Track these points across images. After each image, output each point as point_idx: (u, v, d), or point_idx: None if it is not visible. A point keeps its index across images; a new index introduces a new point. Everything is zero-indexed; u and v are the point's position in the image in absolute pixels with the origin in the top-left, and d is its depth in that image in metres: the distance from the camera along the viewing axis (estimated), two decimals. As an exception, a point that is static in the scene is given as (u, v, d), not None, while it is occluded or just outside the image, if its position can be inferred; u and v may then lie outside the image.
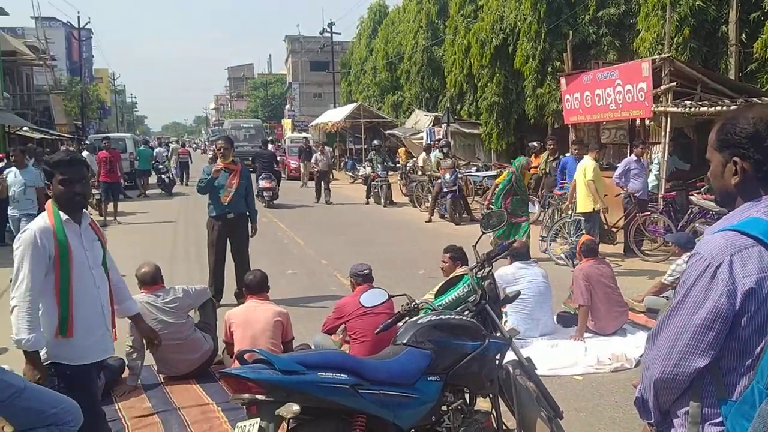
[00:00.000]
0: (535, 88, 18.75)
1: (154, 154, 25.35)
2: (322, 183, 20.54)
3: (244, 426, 3.09)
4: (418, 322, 3.75)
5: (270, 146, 33.93)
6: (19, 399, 2.81)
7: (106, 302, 3.71)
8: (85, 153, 18.62)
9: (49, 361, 3.45)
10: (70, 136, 34.25)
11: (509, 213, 9.86)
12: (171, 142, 36.58)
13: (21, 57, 32.96)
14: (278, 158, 27.33)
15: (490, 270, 4.22)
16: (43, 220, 3.52)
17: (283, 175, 30.56)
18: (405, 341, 3.63)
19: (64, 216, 3.54)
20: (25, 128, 27.98)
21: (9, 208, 10.73)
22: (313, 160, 22.20)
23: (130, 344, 5.61)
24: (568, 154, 12.96)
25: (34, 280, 3.38)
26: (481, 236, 4.40)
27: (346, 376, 3.26)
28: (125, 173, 22.83)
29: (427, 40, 27.74)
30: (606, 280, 6.96)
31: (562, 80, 14.43)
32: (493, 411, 3.88)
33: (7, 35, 33.04)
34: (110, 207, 17.10)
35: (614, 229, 11.15)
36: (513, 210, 10.31)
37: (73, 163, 3.60)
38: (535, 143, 16.49)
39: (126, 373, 5.70)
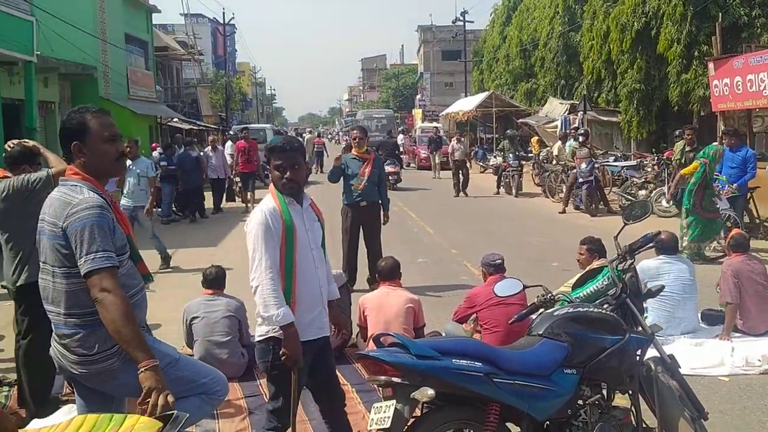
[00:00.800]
0: (679, 73, 17.78)
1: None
2: (460, 173, 19.62)
3: (380, 407, 3.18)
4: (555, 313, 3.68)
5: (400, 136, 34.59)
6: (173, 368, 3.01)
7: (324, 282, 3.75)
8: (228, 143, 19.70)
9: (268, 336, 3.57)
10: (215, 126, 36.26)
11: (703, 209, 9.28)
12: (304, 133, 37.83)
13: (172, 52, 35.26)
14: (401, 146, 29.40)
15: (632, 263, 4.07)
16: (270, 201, 3.64)
17: (412, 164, 31.05)
18: (541, 332, 3.58)
19: (287, 198, 3.65)
20: (175, 119, 29.90)
21: (123, 199, 10.20)
22: (449, 149, 21.30)
23: (271, 324, 5.89)
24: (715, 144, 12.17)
25: (271, 258, 3.48)
26: (623, 227, 4.24)
27: (480, 364, 3.27)
28: (264, 162, 23.89)
29: (564, 25, 26.95)
30: (757, 277, 6.48)
31: (710, 65, 13.58)
32: (633, 408, 3.74)
33: (160, 32, 35.38)
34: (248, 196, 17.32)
35: (767, 224, 10.38)
36: (707, 206, 9.54)
37: (287, 149, 3.67)
38: (678, 132, 15.62)
39: (266, 352, 5.98)
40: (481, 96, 30.96)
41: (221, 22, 47.71)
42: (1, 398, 5.30)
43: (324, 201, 17.79)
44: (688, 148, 13.11)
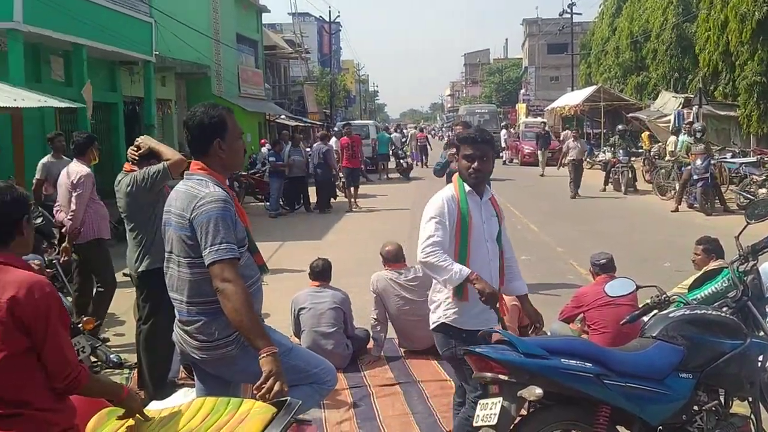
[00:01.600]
0: (806, 64, 16.63)
1: (392, 139, 26.60)
2: (575, 174, 17.91)
3: (487, 403, 3.17)
4: (670, 315, 3.55)
5: (503, 131, 34.20)
6: (287, 357, 3.11)
7: (496, 276, 3.78)
8: (333, 140, 20.09)
9: (440, 322, 3.69)
10: (320, 123, 37.05)
11: None
12: (406, 129, 38.02)
13: (280, 51, 36.27)
14: (503, 142, 31.23)
15: (755, 264, 3.86)
16: (450, 189, 3.77)
17: (515, 160, 30.64)
18: (654, 335, 3.47)
19: (467, 188, 3.74)
20: (282, 116, 30.78)
21: None
22: (564, 148, 19.85)
23: (375, 317, 5.99)
24: None
25: (442, 238, 3.57)
26: (745, 227, 4.03)
27: (590, 364, 3.20)
28: (368, 158, 24.34)
29: (678, 16, 25.78)
30: None
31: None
32: (752, 416, 3.56)
33: (269, 31, 36.49)
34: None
35: None
36: None
37: (478, 141, 3.74)
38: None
39: (370, 344, 6.09)
40: (589, 90, 30.08)
41: (327, 20, 48.67)
42: (122, 380, 5.64)
43: (428, 196, 17.92)
44: None
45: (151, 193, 4.81)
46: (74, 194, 6.24)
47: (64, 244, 6.34)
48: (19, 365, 2.40)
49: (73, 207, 6.22)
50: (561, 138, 29.38)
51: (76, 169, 6.34)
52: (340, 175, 18.52)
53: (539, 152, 25.49)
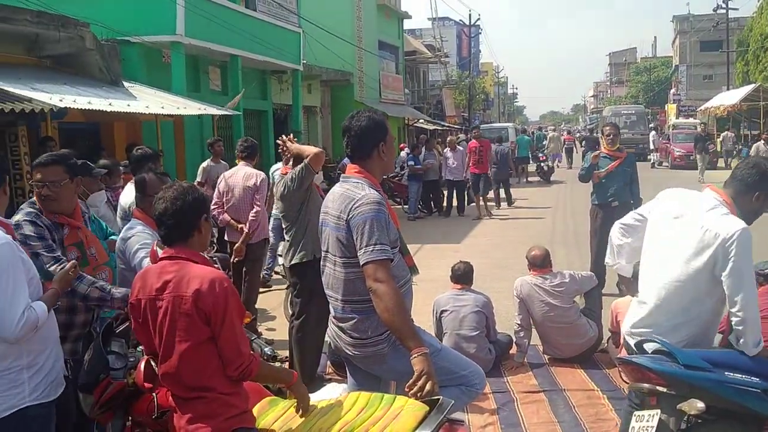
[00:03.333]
0: None
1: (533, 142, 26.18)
2: None
3: (643, 416, 3.06)
4: None
5: (652, 133, 32.70)
6: (437, 357, 3.15)
7: None
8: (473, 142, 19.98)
9: None
10: (458, 126, 37.05)
11: None
12: (546, 131, 37.19)
13: (420, 56, 36.65)
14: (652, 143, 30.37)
15: None
16: None
17: (665, 163, 29.14)
18: (833, 351, 3.19)
19: None
20: (421, 120, 31.07)
21: None
22: (752, 152, 16.95)
23: (518, 322, 5.92)
24: None
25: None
26: None
27: (757, 379, 3.01)
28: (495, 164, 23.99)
29: None
30: None
31: None
32: None
33: (409, 37, 36.98)
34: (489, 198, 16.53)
35: None
36: None
37: None
38: None
39: (513, 350, 6.03)
40: (747, 89, 28.02)
41: (467, 24, 48.58)
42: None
43: (570, 200, 17.43)
44: None
45: (301, 190, 5.07)
46: (257, 196, 6.73)
47: (238, 244, 6.76)
48: (202, 353, 2.61)
49: (257, 208, 6.70)
50: (721, 139, 27.66)
51: (254, 172, 6.81)
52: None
53: (698, 156, 23.81)
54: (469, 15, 46.70)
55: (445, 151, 16.64)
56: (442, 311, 5.92)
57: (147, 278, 2.72)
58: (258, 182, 6.79)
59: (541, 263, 6.03)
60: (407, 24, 35.43)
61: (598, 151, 8.36)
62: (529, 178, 24.87)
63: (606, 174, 8.07)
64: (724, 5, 39.81)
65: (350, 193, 3.13)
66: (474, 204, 16.22)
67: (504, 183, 17.97)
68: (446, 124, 35.63)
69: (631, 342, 3.39)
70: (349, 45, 23.46)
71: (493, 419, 4.80)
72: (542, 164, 25.10)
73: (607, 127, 8.54)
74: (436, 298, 6.15)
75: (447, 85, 41.30)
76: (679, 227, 3.23)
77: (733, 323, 3.13)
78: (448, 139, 17.70)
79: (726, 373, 3.01)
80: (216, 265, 6.09)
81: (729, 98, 28.93)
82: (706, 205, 3.24)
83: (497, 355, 5.87)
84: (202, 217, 2.79)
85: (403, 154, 19.04)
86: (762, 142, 15.27)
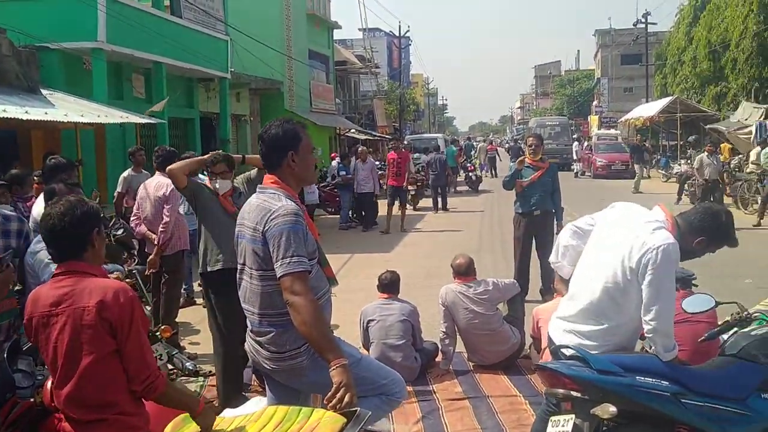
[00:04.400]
0: None
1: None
2: (712, 198, 14.42)
3: (558, 420, 3.11)
4: (752, 333, 3.40)
5: (575, 143, 33.74)
6: (356, 368, 3.12)
7: None
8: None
9: None
10: (389, 137, 37.27)
11: None
12: (475, 141, 37.85)
13: (350, 66, 36.76)
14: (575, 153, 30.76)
15: None
16: None
17: (587, 173, 30.05)
18: (735, 353, 3.33)
19: None
20: (352, 130, 31.13)
21: None
22: (696, 164, 15.80)
23: (444, 330, 5.97)
24: None
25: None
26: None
27: (667, 383, 3.10)
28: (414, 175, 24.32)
29: (759, 24, 24.82)
30: None
31: None
32: None
33: (340, 47, 37.04)
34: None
35: None
36: None
37: None
38: None
39: (439, 357, 6.07)
40: (664, 101, 29.24)
41: (397, 35, 49.02)
42: (197, 388, 5.79)
43: (497, 208, 17.75)
44: None
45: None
46: (167, 206, 6.50)
47: (152, 257, 6.57)
48: (106, 367, 2.51)
49: (165, 219, 6.49)
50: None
51: (165, 182, 6.59)
52: (410, 188, 18.58)
53: (636, 166, 24.49)
54: (399, 26, 47.26)
55: (354, 162, 16.05)
56: (369, 321, 5.92)
57: (40, 294, 2.61)
58: (167, 192, 6.55)
59: (465, 271, 6.09)
60: (338, 34, 35.51)
61: (522, 157, 8.52)
62: (458, 188, 25.20)
63: (529, 183, 8.24)
64: (643, 20, 41.48)
65: (266, 205, 3.07)
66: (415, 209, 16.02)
67: (441, 189, 18.94)
68: (377, 134, 35.79)
69: (554, 336, 3.46)
70: (279, 53, 23.33)
71: (418, 427, 4.81)
72: (470, 174, 25.49)
73: (530, 138, 8.72)
74: (364, 307, 6.15)
75: (378, 96, 41.51)
76: (619, 235, 3.32)
77: (645, 330, 3.23)
78: (359, 149, 17.02)
79: (637, 377, 3.08)
80: (128, 279, 5.96)
81: (648, 110, 30.12)
82: (647, 217, 3.34)
83: (423, 363, 5.90)
84: (94, 230, 2.67)
85: (334, 163, 19.02)
86: (706, 154, 15.19)
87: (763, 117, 21.27)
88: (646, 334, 3.22)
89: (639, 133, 32.97)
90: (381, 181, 17.04)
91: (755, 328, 3.50)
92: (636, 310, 3.27)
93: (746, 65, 25.84)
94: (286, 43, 24.86)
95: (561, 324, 3.47)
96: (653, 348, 3.24)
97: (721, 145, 23.83)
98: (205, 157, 5.55)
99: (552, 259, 3.88)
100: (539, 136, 9.02)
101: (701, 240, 3.35)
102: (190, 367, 5.64)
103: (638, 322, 3.32)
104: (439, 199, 18.97)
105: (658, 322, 3.15)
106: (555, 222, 8.36)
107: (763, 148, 16.80)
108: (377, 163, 16.62)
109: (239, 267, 3.22)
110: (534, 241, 8.37)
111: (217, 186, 5.30)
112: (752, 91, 25.56)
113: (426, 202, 20.14)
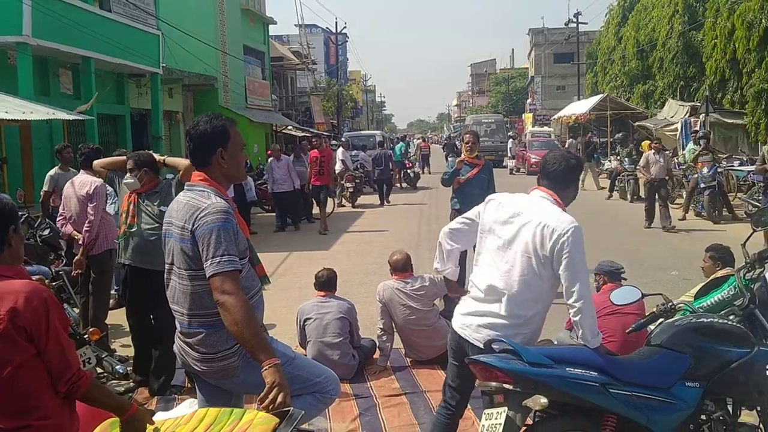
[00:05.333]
0: (813, 71, 16.56)
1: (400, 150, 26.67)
2: (658, 194, 13.55)
3: (492, 413, 3.15)
4: (676, 323, 3.52)
5: (510, 141, 34.32)
6: (290, 367, 3.09)
7: None
8: (340, 150, 20.13)
9: None
10: (327, 133, 37.15)
11: None
12: (413, 139, 38.13)
13: (287, 62, 36.46)
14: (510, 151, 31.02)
15: (762, 272, 3.83)
16: None
17: (522, 169, 30.62)
18: (660, 343, 3.44)
19: None
20: (289, 127, 30.86)
21: None
22: (641, 162, 14.49)
23: (381, 327, 5.97)
24: None
25: None
26: (751, 234, 4.01)
27: (596, 373, 3.18)
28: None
29: (684, 24, 25.76)
30: None
31: None
32: (761, 426, 3.53)
33: (276, 43, 36.67)
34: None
35: None
36: None
37: None
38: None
39: (377, 354, 6.07)
40: (595, 99, 30.06)
41: (334, 31, 48.86)
42: (128, 390, 5.64)
43: (435, 205, 17.91)
44: None
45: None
46: (91, 205, 6.29)
47: (78, 257, 6.36)
48: (27, 372, 2.40)
49: (90, 218, 6.27)
50: (567, 146, 29.29)
51: (89, 180, 6.39)
52: (349, 185, 18.57)
53: (587, 164, 24.54)
54: (336, 23, 47.15)
55: (269, 161, 15.29)
56: (306, 319, 5.88)
57: None
58: (92, 190, 6.35)
59: (402, 267, 6.11)
60: (273, 30, 35.11)
61: (462, 157, 8.58)
62: (403, 184, 25.32)
63: (466, 180, 8.32)
64: (574, 20, 42.51)
65: (195, 203, 3.00)
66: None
67: (387, 183, 20.19)
68: (315, 131, 35.60)
69: (465, 332, 3.50)
70: (213, 49, 22.92)
71: (356, 425, 4.80)
72: (409, 171, 25.65)
73: (467, 135, 8.78)
74: (300, 306, 6.10)
75: (315, 92, 41.30)
76: (518, 225, 3.38)
77: (571, 315, 3.30)
78: (273, 146, 16.34)
79: (567, 368, 3.15)
80: (55, 282, 5.77)
81: (579, 108, 30.89)
82: (540, 204, 3.46)
83: (361, 361, 5.89)
84: (9, 229, 2.53)
85: (270, 160, 18.80)
86: (652, 151, 13.99)
87: (687, 114, 22.09)
88: (572, 319, 3.29)
89: (571, 130, 33.78)
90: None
91: (679, 318, 3.63)
92: (548, 296, 3.40)
93: (672, 64, 26.77)
94: (220, 39, 24.46)
95: (473, 320, 3.50)
96: (580, 334, 3.32)
97: (643, 143, 24.67)
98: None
99: (437, 266, 3.92)
100: (475, 133, 9.11)
101: (574, 186, 3.65)
102: (121, 370, 5.52)
103: (547, 310, 3.47)
104: (383, 192, 20.00)
105: (582, 302, 3.24)
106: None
107: (687, 144, 17.46)
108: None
109: (167, 267, 3.14)
110: None
111: (125, 183, 5.31)
112: (678, 89, 26.50)
113: (364, 199, 20.18)
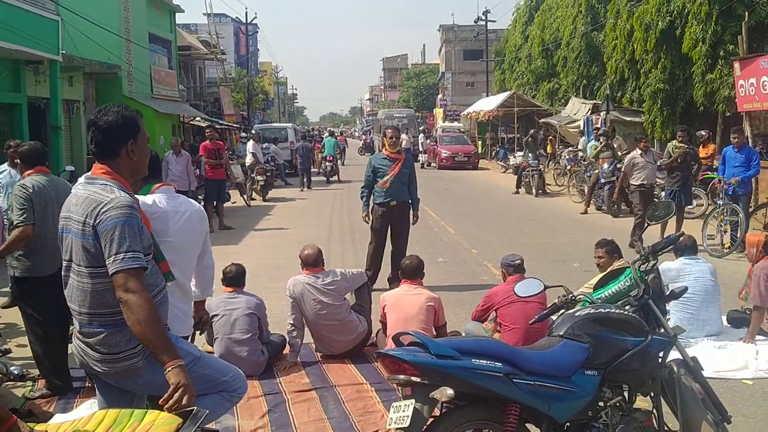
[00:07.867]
0: (704, 73, 17.51)
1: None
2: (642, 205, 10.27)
3: (399, 406, 3.18)
4: (576, 314, 3.65)
5: (421, 135, 34.78)
6: (195, 366, 3.03)
7: None
8: (250, 143, 19.83)
9: None
10: (237, 125, 36.45)
11: None
12: (324, 133, 38.00)
13: (195, 51, 35.50)
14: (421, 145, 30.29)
15: (655, 264, 4.02)
16: None
17: (433, 164, 31.06)
18: (561, 333, 3.56)
19: None
20: (197, 118, 30.09)
21: None
22: (625, 165, 11.85)
23: (291, 322, 5.92)
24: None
25: None
26: (645, 227, 4.20)
27: (500, 364, 3.25)
28: (286, 161, 24.28)
29: (586, 25, 26.74)
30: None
31: (736, 65, 13.38)
32: (654, 410, 3.70)
33: (183, 31, 35.63)
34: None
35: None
36: None
37: None
38: (702, 132, 15.43)
39: (287, 350, 6.02)
40: (503, 96, 30.84)
41: (244, 21, 47.94)
42: (25, 392, 5.38)
43: (347, 199, 17.89)
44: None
45: None
46: None
47: None
48: None
49: None
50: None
51: None
52: (259, 178, 18.29)
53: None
54: (246, 13, 46.26)
55: (167, 154, 13.91)
56: (213, 316, 5.74)
57: None
58: None
59: (313, 262, 6.07)
60: (181, 18, 34.08)
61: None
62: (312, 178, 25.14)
63: (389, 180, 8.35)
64: (483, 17, 43.41)
65: (97, 197, 2.87)
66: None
67: (307, 172, 22.57)
68: (224, 123, 34.87)
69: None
70: (116, 36, 22.03)
71: (264, 421, 4.74)
72: (327, 164, 25.45)
73: (389, 130, 8.79)
74: (207, 303, 5.95)
75: (224, 83, 40.41)
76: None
77: None
78: (173, 139, 15.46)
79: (473, 360, 3.21)
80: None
81: (488, 104, 31.61)
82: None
83: (270, 357, 5.83)
84: None
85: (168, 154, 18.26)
86: (639, 152, 10.99)
87: (589, 112, 22.97)
88: None
89: (480, 126, 34.51)
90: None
91: (579, 309, 3.76)
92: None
93: (575, 63, 27.73)
94: (124, 26, 23.52)
95: None
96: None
97: (549, 138, 25.52)
98: None
99: None
100: (398, 128, 9.25)
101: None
102: (16, 372, 5.24)
103: None
104: (305, 180, 22.31)
105: None
106: (411, 212, 8.58)
107: (588, 141, 18.17)
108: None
109: (65, 264, 2.99)
110: (390, 230, 8.51)
111: None
112: (581, 88, 27.48)
113: (275, 192, 19.97)
